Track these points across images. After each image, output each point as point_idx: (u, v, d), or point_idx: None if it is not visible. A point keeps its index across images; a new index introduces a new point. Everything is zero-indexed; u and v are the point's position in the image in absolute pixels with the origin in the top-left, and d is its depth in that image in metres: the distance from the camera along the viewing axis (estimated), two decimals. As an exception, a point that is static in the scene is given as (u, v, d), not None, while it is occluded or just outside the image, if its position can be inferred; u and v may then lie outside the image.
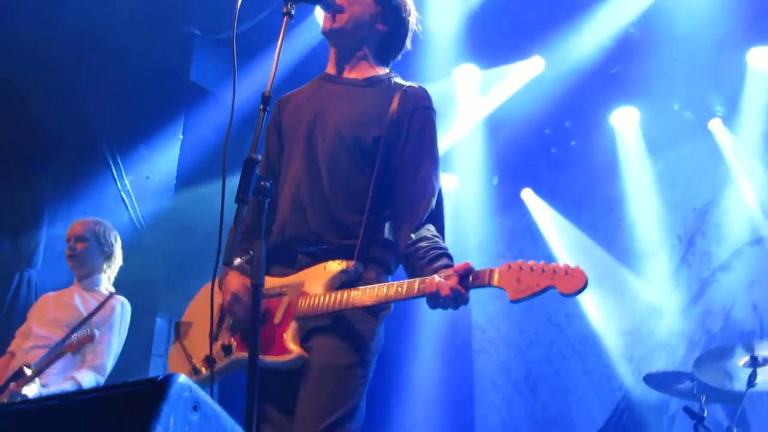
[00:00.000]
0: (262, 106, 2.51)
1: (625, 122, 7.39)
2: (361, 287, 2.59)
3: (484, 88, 7.15)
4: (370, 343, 2.73)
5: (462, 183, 7.97)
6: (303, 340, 2.65)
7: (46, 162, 6.14)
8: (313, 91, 3.05)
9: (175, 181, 7.02)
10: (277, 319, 2.67)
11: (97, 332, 4.36)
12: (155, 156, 6.90)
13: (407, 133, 2.85)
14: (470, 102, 7.18)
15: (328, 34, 2.99)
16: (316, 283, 2.67)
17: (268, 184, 2.41)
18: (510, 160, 7.94)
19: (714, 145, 7.00)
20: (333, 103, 2.94)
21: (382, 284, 2.58)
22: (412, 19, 3.10)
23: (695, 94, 6.88)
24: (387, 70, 3.07)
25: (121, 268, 4.94)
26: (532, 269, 2.35)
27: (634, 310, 7.26)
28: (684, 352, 6.80)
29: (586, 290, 2.37)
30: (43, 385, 4.27)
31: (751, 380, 4.84)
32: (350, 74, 3.02)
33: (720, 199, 7.03)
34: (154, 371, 6.62)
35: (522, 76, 7.05)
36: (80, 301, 4.65)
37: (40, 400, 1.48)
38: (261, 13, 5.50)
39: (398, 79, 3.02)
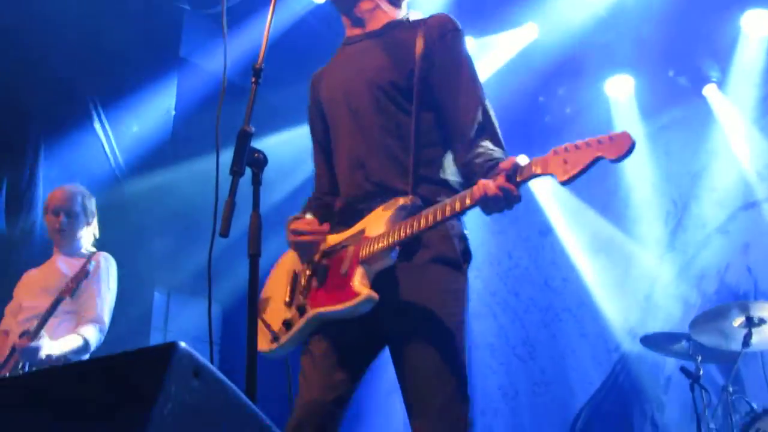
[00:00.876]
0: (253, 79, 2.52)
1: (619, 89, 7.38)
2: (416, 215, 2.54)
3: (478, 56, 7.12)
4: (458, 302, 2.69)
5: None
6: (376, 288, 2.57)
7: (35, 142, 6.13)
8: (339, 60, 3.05)
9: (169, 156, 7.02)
10: (342, 270, 2.64)
11: (89, 265, 4.39)
12: (147, 132, 6.89)
13: (441, 59, 2.81)
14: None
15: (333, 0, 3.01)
16: (377, 225, 2.64)
17: (262, 155, 2.43)
18: (504, 127, 7.89)
19: (708, 110, 7.01)
20: (358, 61, 2.93)
21: (433, 206, 2.50)
22: None
23: (689, 60, 6.87)
24: (404, 11, 3.05)
25: (118, 245, 4.97)
26: (577, 147, 2.25)
27: (630, 274, 7.31)
28: (680, 313, 6.85)
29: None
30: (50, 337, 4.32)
31: (746, 340, 4.91)
32: (367, 28, 3.01)
33: (714, 163, 7.05)
34: (154, 344, 6.67)
35: (516, 43, 7.02)
36: (65, 266, 4.67)
37: (40, 372, 1.51)
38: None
39: (417, 15, 3.01)
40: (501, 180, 2.35)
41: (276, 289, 2.92)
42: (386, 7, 3.02)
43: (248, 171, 2.41)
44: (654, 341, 5.58)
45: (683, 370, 5.18)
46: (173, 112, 6.97)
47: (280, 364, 2.85)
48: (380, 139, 2.79)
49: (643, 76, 7.21)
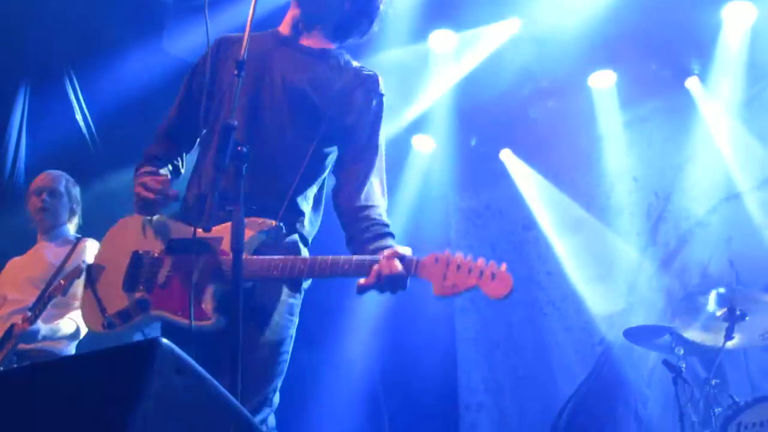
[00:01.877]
0: (236, 72, 2.50)
1: (602, 83, 7.40)
2: (289, 257, 2.58)
3: (461, 50, 7.11)
4: (289, 318, 2.74)
5: (439, 145, 7.97)
6: (219, 302, 2.59)
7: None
8: (263, 49, 2.94)
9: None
10: (194, 278, 2.58)
11: (83, 264, 4.37)
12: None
13: (359, 112, 2.87)
14: (446, 65, 7.14)
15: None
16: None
17: (245, 149, 2.41)
18: (487, 121, 7.93)
19: (691, 102, 7.04)
20: (284, 67, 2.90)
21: (316, 257, 2.55)
22: (383, 6, 3.06)
23: (672, 53, 6.88)
24: (336, 46, 3.05)
25: (100, 235, 4.93)
26: (459, 267, 2.36)
27: (613, 267, 7.33)
28: (663, 306, 6.89)
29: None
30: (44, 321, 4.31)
31: (729, 334, 4.93)
32: (305, 41, 3.00)
33: (696, 156, 7.08)
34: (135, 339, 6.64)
35: (498, 37, 7.01)
36: (50, 254, 4.65)
37: (22, 368, 1.50)
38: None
39: (348, 58, 3.02)
40: (392, 268, 2.44)
41: (113, 263, 2.81)
42: (328, 35, 3.02)
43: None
44: (637, 335, 5.60)
45: (666, 363, 5.20)
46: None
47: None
48: (271, 150, 2.78)
49: (625, 68, 7.21)
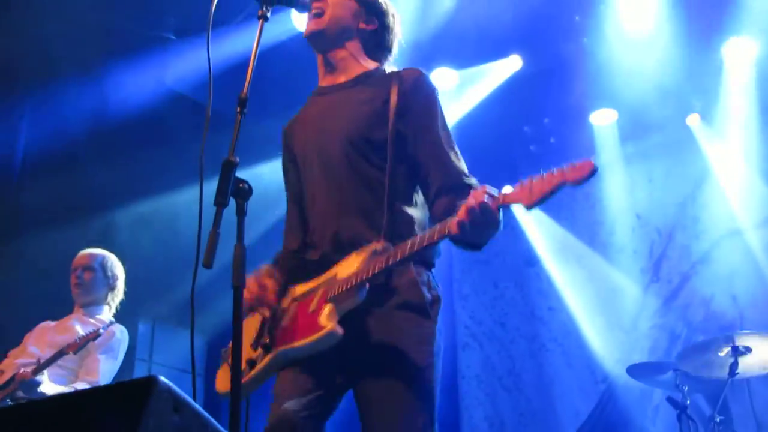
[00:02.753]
0: (238, 109, 2.51)
1: (603, 120, 7.44)
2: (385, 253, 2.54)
3: (463, 86, 7.16)
4: (424, 347, 2.65)
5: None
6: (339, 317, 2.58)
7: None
8: (310, 111, 3.02)
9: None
10: (311, 308, 2.63)
11: (102, 330, 4.38)
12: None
13: (414, 114, 2.81)
14: (448, 102, 7.18)
15: (310, 38, 2.97)
16: (349, 268, 2.62)
17: (246, 185, 2.41)
18: (489, 157, 7.95)
19: (692, 139, 7.07)
20: (330, 115, 2.91)
21: (406, 240, 2.50)
22: (396, 24, 3.09)
23: (673, 91, 6.92)
24: (377, 65, 3.03)
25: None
26: (542, 177, 2.29)
27: (616, 303, 7.31)
28: (666, 343, 6.86)
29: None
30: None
31: (733, 370, 4.90)
32: (339, 78, 2.99)
33: (698, 192, 7.10)
34: (139, 375, 6.61)
35: (500, 74, 7.07)
36: (80, 325, 4.69)
37: (20, 406, 1.49)
38: (237, 16, 5.50)
39: (391, 68, 3.01)
40: (479, 198, 2.35)
41: (245, 331, 2.88)
42: (361, 58, 3.01)
43: (233, 201, 2.40)
44: (640, 371, 5.56)
45: (670, 400, 5.17)
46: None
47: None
48: (352, 194, 2.78)
49: (626, 105, 7.26)
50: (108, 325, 4.65)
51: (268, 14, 2.68)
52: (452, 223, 2.38)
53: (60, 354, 4.31)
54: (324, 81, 3.04)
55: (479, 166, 8.70)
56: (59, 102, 6.38)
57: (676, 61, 6.54)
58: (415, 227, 2.77)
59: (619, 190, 7.56)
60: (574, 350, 7.46)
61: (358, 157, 2.79)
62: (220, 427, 1.49)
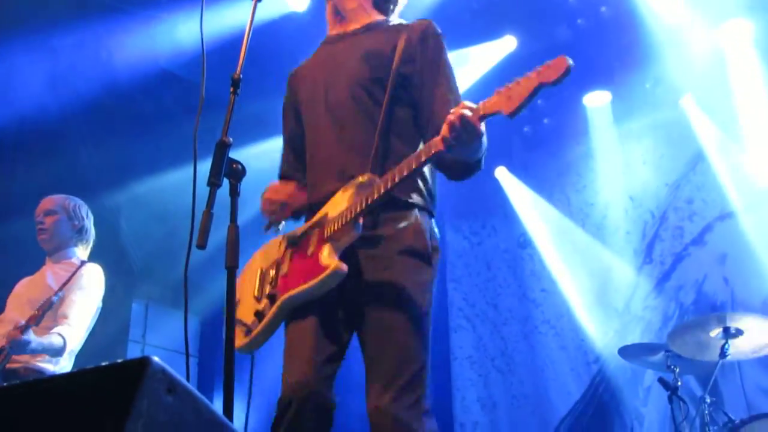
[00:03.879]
0: (232, 89, 2.50)
1: (597, 101, 7.43)
2: (376, 182, 2.57)
3: (456, 67, 7.12)
4: (424, 295, 2.67)
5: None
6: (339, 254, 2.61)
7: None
8: (319, 57, 3.07)
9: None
10: (309, 251, 2.67)
11: (55, 298, 4.34)
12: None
13: (422, 60, 2.84)
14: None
15: None
16: (339, 205, 2.65)
17: (240, 166, 2.41)
18: (483, 138, 7.95)
19: (685, 121, 7.07)
20: (337, 59, 2.96)
21: (393, 169, 2.52)
22: None
23: (666, 72, 6.91)
24: (384, 17, 3.08)
25: (97, 254, 4.90)
26: (518, 83, 2.31)
27: (609, 285, 7.33)
28: (658, 324, 6.89)
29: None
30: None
31: (724, 351, 4.92)
32: (348, 27, 3.04)
33: (691, 174, 7.11)
34: (132, 356, 6.61)
35: (494, 55, 7.05)
36: (51, 277, 4.60)
37: (9, 387, 1.48)
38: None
39: (400, 20, 3.05)
40: (458, 112, 2.35)
41: (245, 289, 2.93)
42: (370, 9, 3.06)
43: (226, 182, 2.40)
44: (632, 352, 5.58)
45: (661, 381, 5.19)
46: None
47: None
48: (356, 132, 2.81)
49: (620, 86, 7.25)
50: (78, 268, 4.60)
51: (262, -7, 2.67)
52: (437, 141, 2.40)
53: (27, 327, 4.28)
54: (333, 30, 3.10)
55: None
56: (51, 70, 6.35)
57: (670, 42, 6.54)
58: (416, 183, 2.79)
59: (613, 171, 7.57)
60: (567, 332, 7.50)
61: (364, 97, 2.83)
62: (214, 408, 1.49)
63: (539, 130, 7.83)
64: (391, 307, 2.61)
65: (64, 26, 6.15)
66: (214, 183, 2.35)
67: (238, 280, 2.94)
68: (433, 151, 2.43)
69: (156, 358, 1.30)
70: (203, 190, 2.34)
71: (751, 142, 6.73)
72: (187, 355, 2.58)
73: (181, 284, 2.38)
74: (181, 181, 6.41)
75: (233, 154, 2.40)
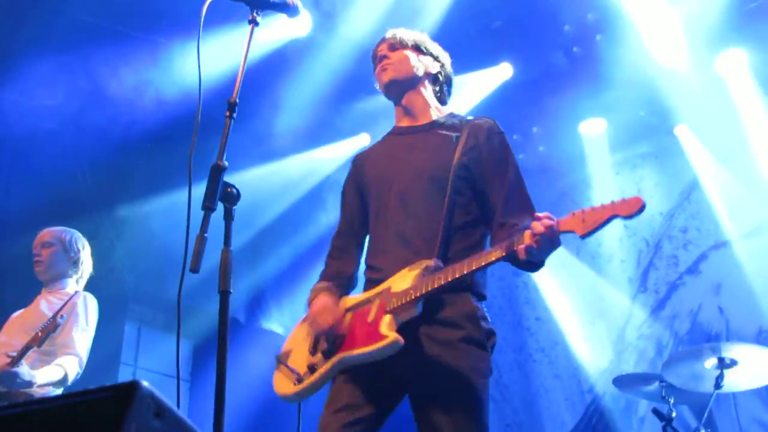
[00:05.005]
0: (228, 113, 2.51)
1: (593, 129, 7.47)
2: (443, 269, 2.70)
3: (453, 93, 7.16)
4: (482, 380, 2.78)
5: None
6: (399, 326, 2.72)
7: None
8: (386, 147, 3.23)
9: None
10: (370, 318, 2.78)
11: (60, 320, 4.32)
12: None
13: (487, 154, 3.00)
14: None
15: (386, 87, 3.20)
16: (403, 282, 2.78)
17: (234, 190, 2.41)
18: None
19: (680, 150, 7.09)
20: (407, 153, 3.09)
21: (460, 261, 2.66)
22: (447, 56, 3.39)
23: (661, 101, 6.95)
24: (449, 111, 3.25)
25: (90, 277, 4.90)
26: (593, 209, 2.51)
27: (604, 314, 7.32)
28: (653, 354, 6.87)
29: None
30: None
31: (718, 382, 4.90)
32: (417, 122, 3.19)
33: (686, 203, 7.13)
34: (123, 379, 6.56)
35: (490, 82, 7.08)
36: (45, 305, 4.62)
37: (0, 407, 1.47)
38: (227, 20, 5.49)
39: (461, 117, 3.20)
40: (547, 223, 2.53)
41: (300, 340, 3.05)
42: (435, 104, 3.23)
43: (221, 206, 2.39)
44: (626, 382, 5.56)
45: (656, 411, 5.16)
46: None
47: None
48: (422, 214, 2.93)
49: (615, 114, 7.29)
50: (71, 297, 4.59)
51: (259, 19, 2.68)
52: (519, 247, 2.53)
53: (27, 349, 4.26)
54: (399, 121, 3.26)
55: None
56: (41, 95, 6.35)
57: (666, 71, 6.57)
58: (470, 249, 2.90)
59: (607, 199, 7.55)
60: (561, 361, 7.47)
61: (430, 186, 2.97)
62: (202, 434, 1.48)
63: (535, 158, 7.84)
64: (455, 393, 2.72)
65: (64, 50, 6.19)
66: (208, 207, 2.35)
67: (295, 330, 3.16)
68: (506, 253, 2.57)
69: (145, 383, 1.29)
70: (198, 213, 2.34)
71: (745, 172, 6.75)
72: (179, 379, 2.56)
73: (174, 307, 2.37)
74: (176, 205, 6.41)
75: (228, 178, 2.41)
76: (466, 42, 6.72)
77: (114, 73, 6.45)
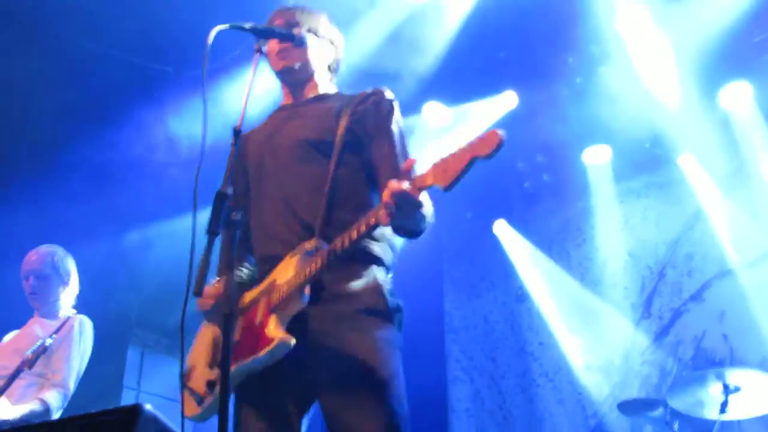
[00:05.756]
0: (233, 140, 2.54)
1: (596, 158, 7.50)
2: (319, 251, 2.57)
3: (458, 122, 7.22)
4: (392, 351, 2.64)
5: (435, 216, 8.01)
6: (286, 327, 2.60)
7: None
8: (271, 124, 3.10)
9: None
10: (257, 320, 2.66)
11: (50, 341, 4.32)
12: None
13: (373, 121, 2.88)
14: (441, 137, 7.24)
15: (281, 73, 3.08)
16: (286, 272, 2.66)
17: (238, 216, 2.44)
18: (483, 194, 8.00)
19: (684, 179, 7.11)
20: (286, 123, 3.00)
21: (338, 237, 2.53)
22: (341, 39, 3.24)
23: (665, 131, 6.97)
24: (335, 89, 3.17)
25: (93, 301, 4.92)
26: (452, 155, 2.31)
27: (607, 340, 7.30)
28: (657, 380, 6.85)
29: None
30: (12, 404, 4.25)
31: (723, 408, 4.89)
32: (303, 97, 3.10)
33: (690, 231, 7.13)
34: (126, 403, 6.56)
35: (495, 110, 7.13)
36: (40, 329, 4.63)
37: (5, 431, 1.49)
38: (233, 50, 5.54)
39: (351, 93, 3.09)
40: (397, 187, 2.36)
41: (198, 357, 2.91)
42: (324, 82, 3.13)
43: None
44: (631, 408, 5.55)
45: (660, 438, 5.16)
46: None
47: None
48: (302, 189, 2.82)
49: (619, 144, 7.32)
50: (65, 321, 4.60)
51: (263, 48, 2.72)
52: (380, 214, 2.40)
53: (18, 372, 4.26)
54: (286, 100, 3.15)
55: (473, 202, 8.81)
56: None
57: (669, 102, 6.61)
58: (353, 216, 2.71)
59: (612, 227, 7.60)
60: (565, 386, 7.45)
61: (309, 158, 2.85)
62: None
63: (539, 186, 7.87)
64: (365, 368, 2.56)
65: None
66: (212, 231, 2.38)
67: (192, 348, 2.99)
68: (373, 222, 2.43)
69: (148, 406, 1.31)
70: (201, 238, 2.36)
71: (750, 202, 6.77)
72: (183, 403, 2.58)
73: (177, 331, 2.39)
74: (177, 230, 6.45)
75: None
76: (471, 71, 6.78)
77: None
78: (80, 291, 4.91)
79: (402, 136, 2.91)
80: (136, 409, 1.31)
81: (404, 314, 2.76)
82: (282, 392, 2.68)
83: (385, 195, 2.37)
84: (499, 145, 2.21)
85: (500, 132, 2.21)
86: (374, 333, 2.61)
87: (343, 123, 2.85)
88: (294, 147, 2.88)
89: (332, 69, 3.20)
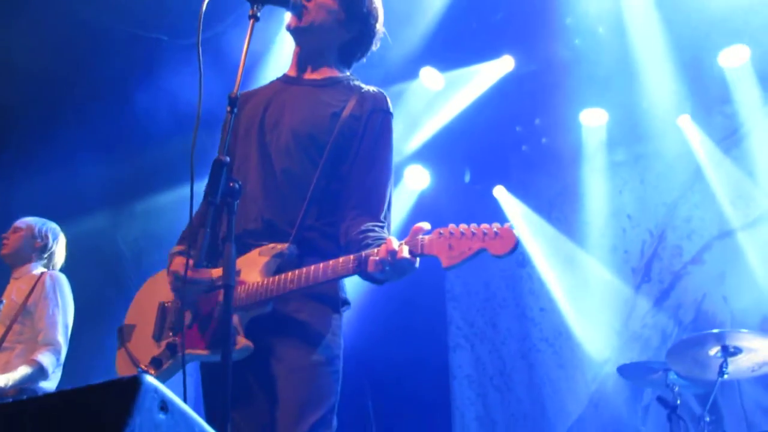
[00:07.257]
0: (229, 108, 2.51)
1: (594, 120, 7.46)
2: (298, 270, 2.56)
3: (455, 87, 7.18)
4: (334, 338, 2.71)
5: (434, 180, 8.01)
6: (248, 331, 2.61)
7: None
8: (272, 93, 3.04)
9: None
10: (217, 312, 2.63)
11: (31, 307, 4.35)
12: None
13: (363, 132, 2.86)
14: (439, 101, 7.20)
15: (293, 31, 2.98)
16: (253, 270, 2.65)
17: (237, 185, 2.41)
18: (481, 157, 7.98)
19: (683, 140, 7.08)
20: (290, 104, 2.94)
21: (316, 265, 2.54)
22: (379, 26, 3.09)
23: (664, 92, 6.93)
24: (347, 73, 3.09)
25: (94, 286, 4.92)
26: (462, 234, 2.32)
27: (608, 304, 7.32)
28: (657, 343, 6.88)
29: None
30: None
31: (722, 369, 4.91)
32: (310, 75, 3.03)
33: (689, 193, 7.12)
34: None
35: (492, 74, 7.08)
36: (14, 293, 4.63)
37: (2, 405, 1.48)
38: (228, 16, 5.49)
39: (357, 82, 3.04)
40: (400, 251, 2.37)
41: (142, 318, 2.86)
42: (335, 64, 3.05)
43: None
44: (631, 371, 5.57)
45: (660, 399, 5.18)
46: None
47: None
48: (281, 181, 2.80)
49: (617, 106, 7.28)
50: (38, 278, 4.61)
51: (258, 14, 2.68)
52: (371, 262, 2.41)
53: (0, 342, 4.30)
54: (294, 71, 3.07)
55: (472, 166, 8.77)
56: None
57: (668, 63, 6.57)
58: (329, 228, 2.80)
59: (611, 191, 7.58)
60: (565, 351, 7.48)
61: (297, 155, 2.82)
62: (208, 427, 1.49)
63: (537, 150, 7.84)
64: (303, 348, 2.63)
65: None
66: (211, 201, 2.36)
67: (136, 302, 2.95)
68: (357, 270, 2.46)
69: (148, 377, 1.30)
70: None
71: (748, 161, 6.75)
72: (185, 373, 2.58)
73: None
74: (175, 202, 6.43)
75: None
76: (468, 35, 6.72)
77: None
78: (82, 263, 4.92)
79: (387, 161, 2.90)
80: (136, 380, 1.29)
81: (349, 305, 2.84)
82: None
83: (383, 252, 2.39)
84: (513, 250, 2.25)
85: (517, 237, 2.26)
86: (321, 318, 2.69)
87: (338, 127, 2.83)
88: (285, 135, 2.85)
89: (348, 53, 3.08)
